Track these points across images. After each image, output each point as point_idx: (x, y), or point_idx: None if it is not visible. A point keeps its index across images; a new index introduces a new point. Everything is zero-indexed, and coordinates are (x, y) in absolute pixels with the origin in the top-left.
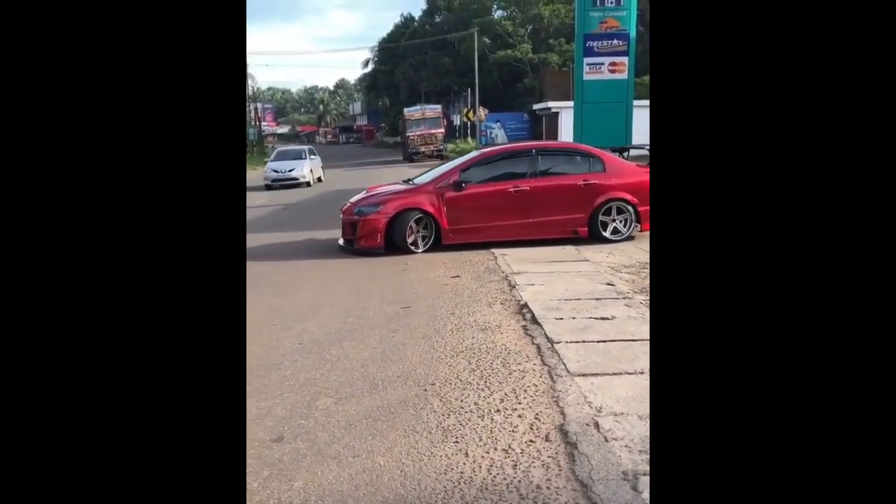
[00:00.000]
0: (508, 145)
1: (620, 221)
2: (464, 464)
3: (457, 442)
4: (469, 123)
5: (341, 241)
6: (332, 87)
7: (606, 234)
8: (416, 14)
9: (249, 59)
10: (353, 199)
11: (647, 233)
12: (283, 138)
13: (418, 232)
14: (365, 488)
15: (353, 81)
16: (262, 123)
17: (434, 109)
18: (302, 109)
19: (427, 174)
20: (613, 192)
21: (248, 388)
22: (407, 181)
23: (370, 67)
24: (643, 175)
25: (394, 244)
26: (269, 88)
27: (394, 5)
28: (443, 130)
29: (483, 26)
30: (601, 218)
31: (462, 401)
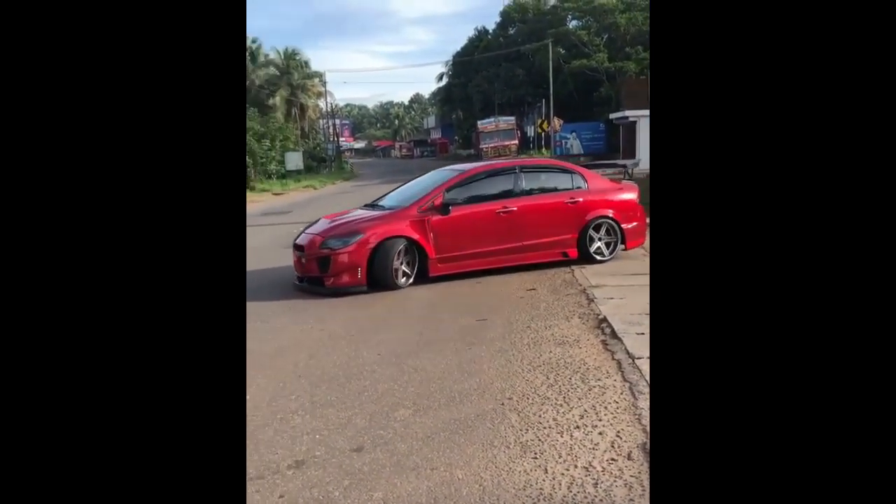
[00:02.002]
0: (488, 162)
1: (605, 241)
2: (543, 480)
3: (535, 458)
4: (543, 134)
5: (297, 280)
6: (406, 102)
7: (591, 252)
8: (490, 27)
9: (328, 77)
10: (312, 231)
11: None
12: (359, 153)
13: (402, 264)
14: (444, 501)
15: (427, 96)
16: (340, 139)
17: (507, 121)
18: (378, 124)
19: (393, 196)
20: (599, 210)
21: (328, 397)
22: (373, 205)
23: (444, 81)
24: (622, 192)
25: (374, 280)
26: (347, 105)
27: (468, 19)
28: (516, 142)
29: (558, 37)
30: (590, 234)
31: (540, 416)
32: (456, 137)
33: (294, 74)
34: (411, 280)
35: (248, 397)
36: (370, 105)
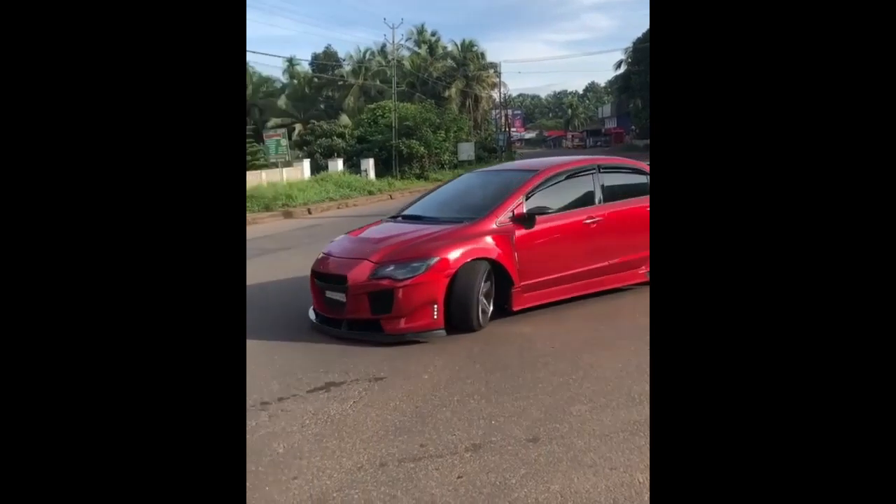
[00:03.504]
0: (564, 160)
1: None
2: None
3: None
4: None
5: (317, 319)
6: (581, 91)
7: None
8: None
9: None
10: (342, 252)
11: None
12: (529, 143)
13: (483, 295)
14: (624, 503)
15: (603, 84)
16: (511, 129)
17: None
18: (550, 114)
19: (428, 204)
20: None
21: (504, 385)
22: (406, 216)
23: (623, 69)
24: None
25: (451, 319)
26: (520, 95)
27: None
28: None
29: None
30: None
31: None
32: (633, 127)
33: (470, 66)
34: (488, 317)
35: (426, 377)
36: (543, 95)
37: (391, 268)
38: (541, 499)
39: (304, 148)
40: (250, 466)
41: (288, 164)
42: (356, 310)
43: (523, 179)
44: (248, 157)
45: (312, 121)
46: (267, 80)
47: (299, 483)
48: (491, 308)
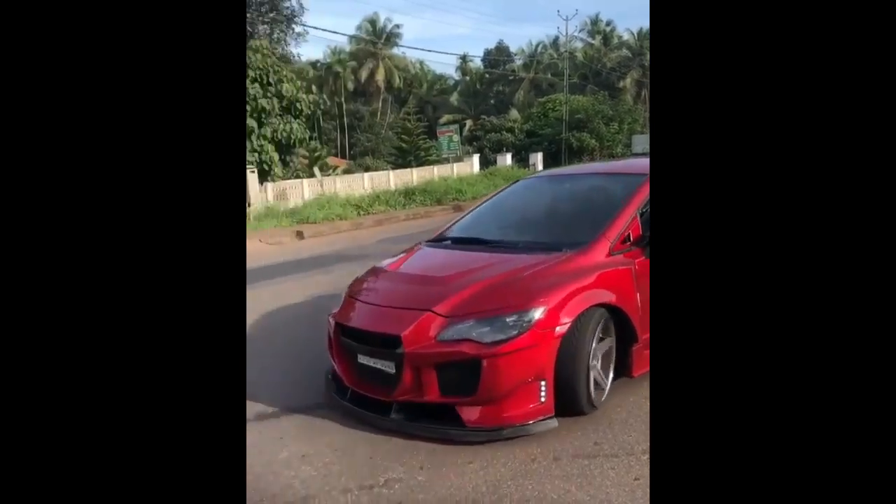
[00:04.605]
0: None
1: None
2: None
3: None
4: None
5: (348, 398)
6: None
7: None
8: None
9: None
10: (394, 299)
11: None
12: None
13: (598, 360)
14: None
15: None
16: None
17: None
18: None
19: (480, 221)
20: None
21: None
22: (455, 239)
23: None
24: None
25: (559, 397)
26: None
27: None
28: None
29: None
30: None
31: None
32: None
33: (647, 55)
34: (605, 392)
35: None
36: None
37: (471, 323)
38: None
39: (475, 143)
40: (428, 445)
41: (458, 159)
42: (416, 389)
43: (633, 187)
44: (421, 153)
45: (483, 116)
46: (440, 78)
47: (474, 468)
48: (610, 378)
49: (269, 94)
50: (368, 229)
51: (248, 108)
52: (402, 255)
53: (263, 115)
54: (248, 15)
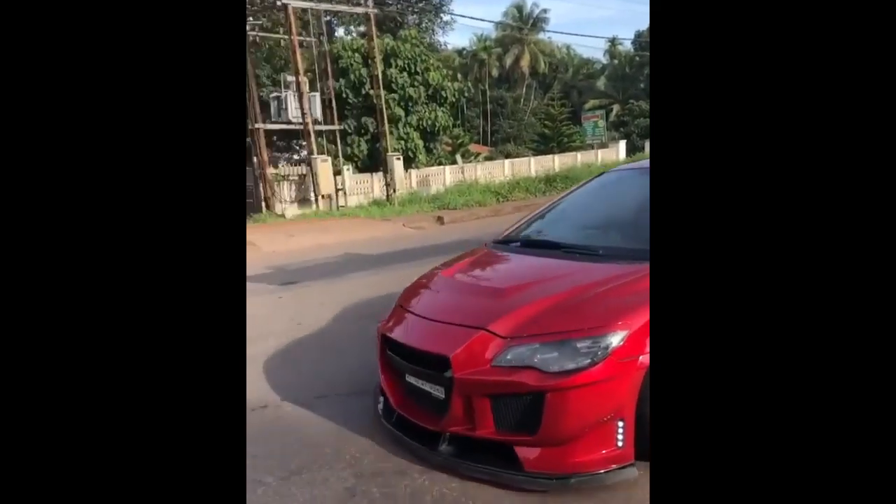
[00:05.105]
0: None
1: None
2: None
3: None
4: None
5: (395, 424)
6: None
7: None
8: None
9: None
10: (447, 312)
11: None
12: None
13: None
14: None
15: None
16: None
17: None
18: None
19: (561, 217)
20: None
21: None
22: (520, 242)
23: None
24: None
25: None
26: None
27: None
28: None
29: None
30: None
31: None
32: None
33: None
34: None
35: None
36: None
37: (534, 347)
38: None
39: (621, 129)
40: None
41: (603, 145)
42: (468, 420)
43: None
44: (564, 139)
45: (631, 101)
46: (587, 62)
47: None
48: None
49: (415, 83)
50: (506, 216)
51: (396, 96)
52: (464, 259)
53: (410, 104)
54: (397, 5)
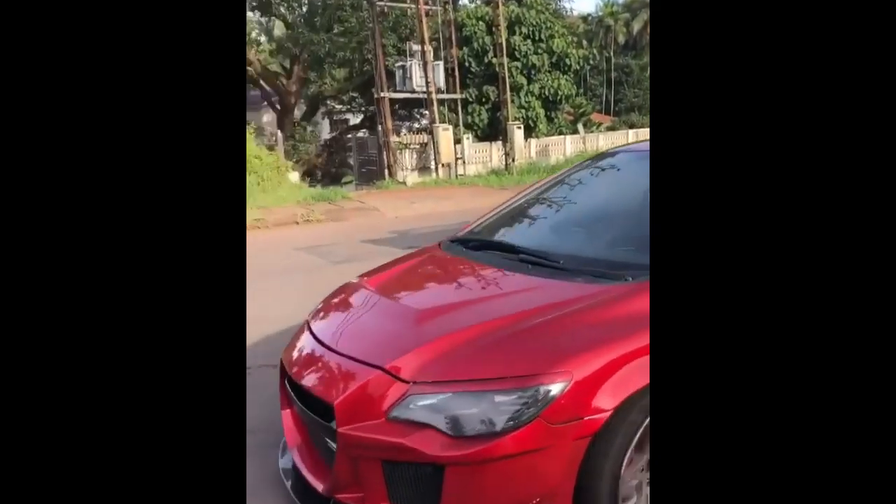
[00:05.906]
0: None
1: None
2: None
3: None
4: None
5: (290, 481)
6: None
7: None
8: None
9: None
10: (350, 339)
11: None
12: None
13: (640, 469)
14: None
15: None
16: None
17: None
18: None
19: (512, 212)
20: None
21: None
22: (474, 242)
23: None
24: None
25: None
26: None
27: None
28: None
29: None
30: None
31: None
32: None
33: None
34: None
35: None
36: None
37: (443, 398)
38: None
39: None
40: None
41: None
42: (354, 487)
43: None
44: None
45: None
46: None
47: None
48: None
49: (539, 51)
50: None
51: (519, 64)
52: (400, 263)
53: (533, 72)
54: None
